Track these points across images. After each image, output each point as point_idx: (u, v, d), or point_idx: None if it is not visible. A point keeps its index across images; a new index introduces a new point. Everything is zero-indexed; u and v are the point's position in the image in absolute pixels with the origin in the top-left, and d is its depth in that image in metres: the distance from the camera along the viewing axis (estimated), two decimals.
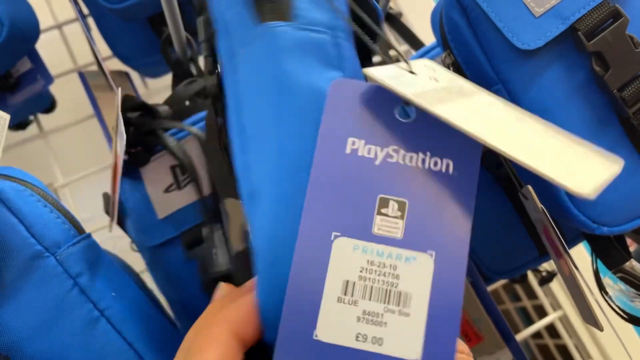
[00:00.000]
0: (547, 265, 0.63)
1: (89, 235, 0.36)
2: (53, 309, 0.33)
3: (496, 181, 0.48)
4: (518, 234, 0.49)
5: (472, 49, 0.37)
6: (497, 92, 0.37)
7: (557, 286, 0.72)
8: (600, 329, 0.35)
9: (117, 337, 0.34)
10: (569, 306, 0.71)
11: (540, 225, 0.38)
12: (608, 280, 0.44)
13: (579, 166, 0.26)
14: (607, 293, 0.42)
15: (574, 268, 0.34)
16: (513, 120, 0.29)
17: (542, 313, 0.79)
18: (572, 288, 0.36)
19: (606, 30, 0.34)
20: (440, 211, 0.27)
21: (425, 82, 0.29)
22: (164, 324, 0.39)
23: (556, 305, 0.72)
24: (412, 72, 0.30)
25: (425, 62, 0.32)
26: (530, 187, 0.36)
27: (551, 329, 0.85)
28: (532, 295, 0.88)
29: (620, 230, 0.37)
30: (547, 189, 0.38)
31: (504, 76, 0.36)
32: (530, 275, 0.80)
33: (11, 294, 0.32)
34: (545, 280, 0.61)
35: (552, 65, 0.35)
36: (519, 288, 0.93)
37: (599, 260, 0.43)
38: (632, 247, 0.41)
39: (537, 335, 0.92)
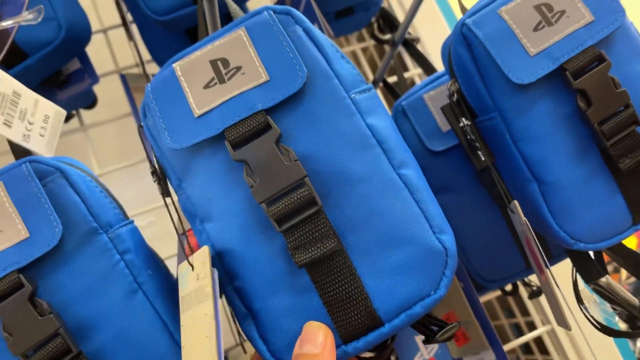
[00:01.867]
0: (538, 281, 0.68)
1: (132, 221, 0.42)
2: (101, 278, 0.38)
3: (492, 199, 0.53)
4: (508, 248, 0.54)
5: (474, 80, 0.42)
6: (493, 120, 0.43)
7: (547, 303, 0.76)
8: (569, 328, 0.39)
9: (150, 308, 0.39)
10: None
11: (524, 237, 0.43)
12: (588, 292, 0.48)
13: None
14: (582, 303, 0.46)
15: (549, 275, 0.39)
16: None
17: (533, 328, 0.84)
18: (547, 292, 0.41)
19: (591, 72, 0.40)
20: None
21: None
22: None
23: (545, 321, 0.77)
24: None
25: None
26: (516, 202, 0.41)
27: (541, 345, 0.90)
28: (525, 312, 0.92)
29: (595, 247, 0.42)
30: (533, 208, 0.43)
31: (499, 105, 0.41)
32: (523, 293, 0.85)
33: (68, 260, 0.38)
34: (535, 294, 0.66)
35: (543, 99, 0.41)
36: (513, 305, 0.97)
37: (578, 274, 0.48)
38: (630, 280, 0.46)
39: (528, 351, 0.97)
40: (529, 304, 0.80)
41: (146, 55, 0.74)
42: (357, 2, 0.74)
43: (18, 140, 0.42)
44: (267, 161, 0.33)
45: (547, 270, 0.39)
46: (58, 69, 0.64)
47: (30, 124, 0.43)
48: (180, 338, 0.39)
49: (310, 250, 0.33)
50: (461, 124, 0.45)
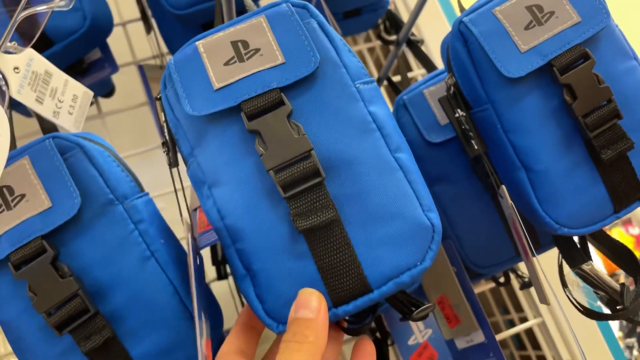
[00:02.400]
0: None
1: (147, 194, 0.46)
2: (116, 246, 0.41)
3: (485, 189, 0.56)
4: (499, 235, 0.57)
5: (469, 73, 0.46)
6: (486, 111, 0.46)
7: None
8: (548, 303, 0.43)
9: (162, 274, 0.42)
10: (548, 316, 0.78)
11: (511, 220, 0.46)
12: (572, 277, 0.52)
13: None
14: (566, 286, 0.50)
15: (532, 256, 0.43)
16: None
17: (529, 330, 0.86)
18: (531, 272, 0.44)
19: (576, 68, 0.43)
20: None
21: None
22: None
23: (537, 314, 0.80)
24: None
25: None
26: (504, 187, 0.45)
27: (534, 342, 0.92)
28: (518, 309, 0.95)
29: (579, 232, 0.46)
30: (521, 195, 0.46)
31: (492, 97, 0.45)
32: (518, 292, 0.88)
33: (86, 229, 0.41)
34: (526, 284, 0.69)
35: (532, 93, 0.44)
36: (507, 302, 1.00)
37: (563, 259, 0.51)
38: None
39: (521, 347, 1.00)
40: (522, 299, 0.83)
41: (163, 48, 0.78)
42: (365, 4, 0.78)
43: (48, 116, 0.45)
44: (278, 133, 0.36)
45: (530, 250, 0.43)
46: (80, 57, 0.68)
47: (60, 102, 0.46)
48: (188, 302, 0.43)
49: (310, 218, 0.36)
50: (456, 115, 0.48)
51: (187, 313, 0.42)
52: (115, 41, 0.77)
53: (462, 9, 0.51)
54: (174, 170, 0.44)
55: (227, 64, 0.39)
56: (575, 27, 0.43)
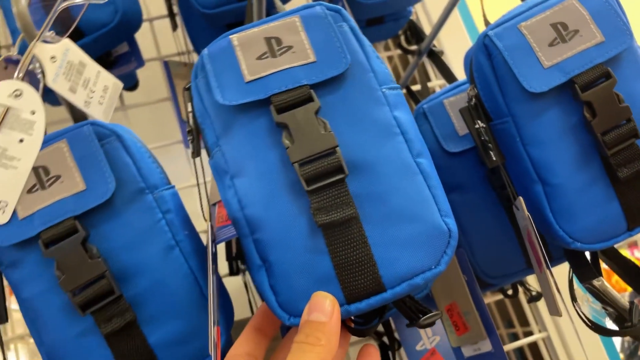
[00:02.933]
0: (537, 286, 0.71)
1: (174, 186, 0.47)
2: (144, 233, 0.43)
3: (499, 200, 0.57)
4: (511, 247, 0.58)
5: (491, 86, 0.47)
6: (506, 123, 0.47)
7: (545, 311, 0.80)
8: (560, 314, 0.43)
9: (184, 264, 0.43)
10: (553, 330, 0.78)
11: (525, 231, 0.47)
12: (581, 292, 0.52)
13: None
14: (576, 300, 0.50)
15: (545, 267, 0.43)
16: None
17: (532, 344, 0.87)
18: (543, 283, 0.45)
19: (598, 86, 0.44)
20: None
21: None
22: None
23: (542, 329, 0.80)
24: None
25: None
26: (521, 199, 0.46)
27: (537, 356, 0.93)
28: (523, 323, 0.95)
29: (591, 248, 0.46)
30: (537, 207, 0.47)
31: (512, 111, 0.46)
32: (525, 305, 0.88)
33: (117, 214, 0.42)
34: (533, 298, 0.69)
35: (552, 108, 0.45)
36: (513, 316, 1.01)
37: (574, 274, 0.51)
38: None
39: None
40: (528, 313, 0.84)
41: (188, 46, 0.79)
42: (388, 13, 0.79)
43: (80, 105, 0.47)
44: (305, 127, 0.37)
45: (545, 261, 0.43)
46: (109, 49, 0.69)
47: (92, 92, 0.48)
48: (207, 293, 0.44)
49: (330, 213, 0.37)
50: (477, 126, 0.49)
51: (205, 304, 0.43)
52: (141, 36, 0.79)
53: (487, 22, 0.52)
54: (197, 161, 0.46)
55: (259, 58, 0.40)
56: (598, 46, 0.44)
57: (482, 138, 0.49)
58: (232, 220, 0.41)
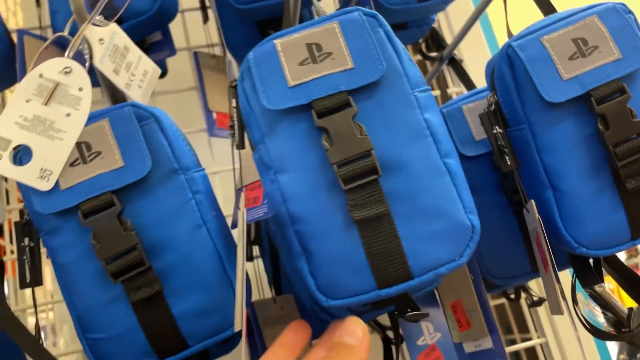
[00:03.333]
0: (539, 292, 0.74)
1: (204, 169, 0.50)
2: (175, 211, 0.45)
3: (510, 205, 0.60)
4: (518, 250, 0.60)
5: (511, 94, 0.49)
6: (523, 130, 0.49)
7: (544, 317, 0.82)
8: (562, 313, 0.46)
9: (210, 242, 0.46)
10: (551, 336, 0.81)
11: (534, 233, 0.49)
12: (582, 297, 0.55)
13: None
14: (577, 304, 0.53)
15: (551, 267, 0.46)
16: None
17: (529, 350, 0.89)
18: (548, 283, 0.47)
19: (612, 100, 0.46)
20: None
21: None
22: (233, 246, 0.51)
23: (541, 335, 0.83)
24: None
25: None
26: (532, 202, 0.48)
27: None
28: (522, 329, 0.98)
29: (596, 254, 0.49)
30: (546, 212, 0.49)
31: (530, 119, 0.48)
32: (526, 313, 0.90)
33: (151, 191, 0.45)
34: (535, 303, 0.72)
35: (568, 118, 0.47)
36: (512, 322, 1.03)
37: (577, 279, 0.54)
38: None
39: None
40: (528, 319, 0.86)
41: (216, 39, 0.82)
42: (413, 19, 0.82)
43: (121, 86, 0.50)
44: (343, 131, 0.40)
45: (551, 261, 0.46)
46: (143, 37, 0.72)
47: (133, 75, 0.51)
48: (231, 272, 0.46)
49: (365, 209, 0.40)
50: (494, 131, 0.51)
51: (227, 281, 0.46)
52: (173, 26, 0.82)
53: (509, 34, 0.55)
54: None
55: (301, 64, 0.43)
56: (616, 62, 0.47)
57: (499, 143, 0.51)
58: (274, 211, 0.44)
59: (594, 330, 0.53)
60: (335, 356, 0.36)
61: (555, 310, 0.46)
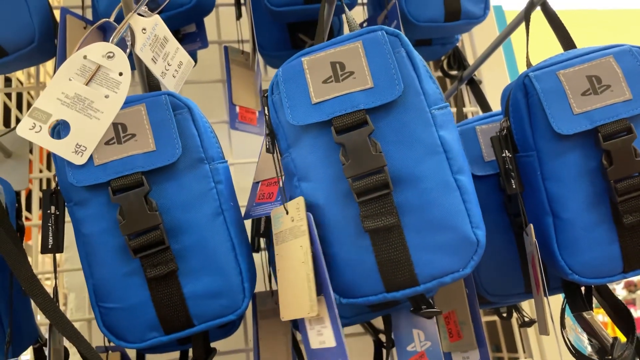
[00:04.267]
0: (530, 313, 0.76)
1: (227, 161, 0.52)
2: (197, 197, 0.48)
3: (512, 226, 0.62)
4: (515, 270, 0.62)
5: (523, 121, 0.52)
6: (530, 157, 0.52)
7: (533, 338, 0.84)
8: (548, 334, 0.48)
9: (226, 231, 0.49)
10: (537, 357, 0.83)
11: (530, 256, 0.52)
12: (571, 322, 0.57)
13: None
14: (565, 328, 0.55)
15: (542, 290, 0.48)
16: None
17: None
18: (538, 304, 0.50)
19: (618, 138, 0.49)
20: None
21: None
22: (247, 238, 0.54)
23: (528, 355, 0.85)
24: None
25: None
26: (532, 226, 0.51)
27: None
28: (510, 349, 1.00)
29: (587, 282, 0.51)
30: (544, 237, 0.52)
31: (538, 147, 0.51)
32: (515, 332, 0.93)
33: (178, 176, 0.48)
34: (525, 324, 0.74)
35: (574, 150, 0.50)
36: (502, 341, 1.05)
37: (567, 304, 0.56)
38: None
39: None
40: (517, 338, 0.88)
41: (246, 35, 0.85)
42: (438, 37, 0.84)
43: (157, 74, 0.53)
44: (359, 148, 0.44)
45: (542, 284, 0.48)
46: (179, 28, 0.75)
47: (169, 65, 0.54)
48: (241, 260, 0.49)
49: (376, 220, 0.43)
50: (503, 154, 0.54)
51: (237, 268, 0.49)
52: (206, 20, 0.85)
53: (529, 64, 0.57)
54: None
55: (324, 82, 0.46)
56: (626, 103, 0.49)
57: (507, 166, 0.54)
58: None
59: (578, 355, 0.55)
60: None
61: (543, 330, 0.49)
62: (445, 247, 0.43)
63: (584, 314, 0.55)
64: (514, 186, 0.53)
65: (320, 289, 0.42)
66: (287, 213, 0.45)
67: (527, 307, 0.85)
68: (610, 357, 0.54)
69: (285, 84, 0.47)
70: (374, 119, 0.45)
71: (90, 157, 0.47)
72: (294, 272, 0.42)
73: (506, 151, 0.54)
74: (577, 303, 0.55)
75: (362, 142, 0.44)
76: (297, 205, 0.45)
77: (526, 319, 0.75)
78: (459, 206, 0.44)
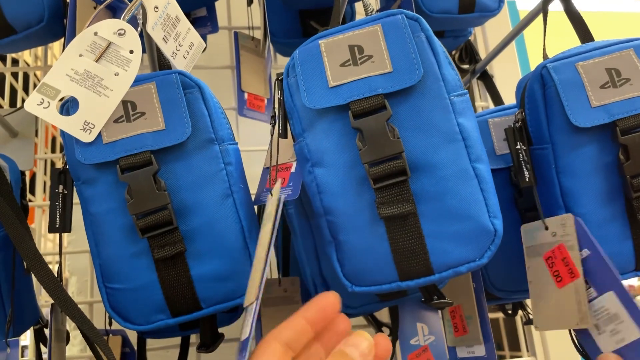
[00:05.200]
0: None
1: (237, 143, 0.52)
2: (206, 177, 0.48)
3: (522, 220, 0.61)
4: (522, 265, 0.62)
5: (539, 113, 0.51)
6: (545, 150, 0.51)
7: (537, 336, 0.84)
8: (589, 324, 0.47)
9: (235, 213, 0.48)
10: (541, 355, 0.82)
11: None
12: None
13: None
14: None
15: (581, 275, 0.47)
16: None
17: None
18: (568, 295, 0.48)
19: (636, 133, 0.48)
20: None
21: None
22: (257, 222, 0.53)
23: (532, 354, 0.84)
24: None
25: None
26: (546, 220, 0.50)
27: None
28: (513, 347, 0.99)
29: None
30: None
31: (554, 139, 0.50)
32: (520, 331, 0.92)
33: (187, 157, 0.47)
34: (530, 321, 0.73)
35: (591, 144, 0.49)
36: (504, 341, 1.04)
37: None
38: None
39: None
40: (520, 336, 0.87)
41: (257, 22, 0.84)
42: (450, 29, 0.83)
43: (168, 54, 0.52)
44: (376, 133, 0.42)
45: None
46: (189, 11, 0.74)
47: (180, 45, 0.53)
48: (250, 243, 0.48)
49: (392, 207, 0.42)
50: (517, 147, 0.53)
51: (246, 252, 0.48)
52: (217, 4, 0.84)
53: (545, 56, 0.56)
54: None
55: (342, 65, 0.45)
56: None
57: (520, 159, 0.53)
58: (310, 200, 0.47)
59: (584, 354, 0.55)
60: None
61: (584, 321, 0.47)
62: (462, 237, 0.42)
63: None
64: (527, 179, 0.53)
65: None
66: (271, 196, 0.44)
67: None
68: None
69: (302, 67, 0.46)
70: (392, 104, 0.44)
71: (99, 135, 0.46)
72: (257, 257, 0.40)
73: (520, 143, 0.53)
74: None
75: (380, 127, 0.43)
76: (275, 191, 0.44)
77: (531, 317, 0.74)
78: (477, 195, 0.43)
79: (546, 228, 0.51)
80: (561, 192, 0.50)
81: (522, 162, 0.53)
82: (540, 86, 0.51)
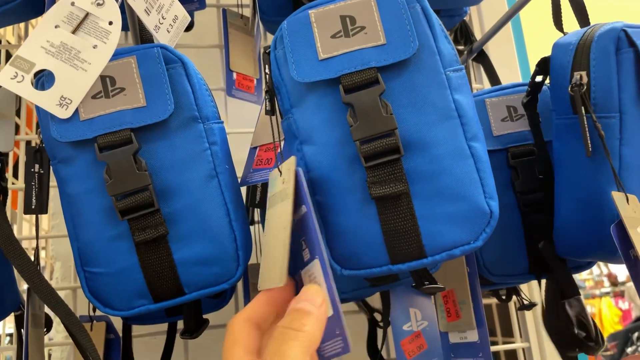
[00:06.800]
0: (530, 296, 0.74)
1: (222, 122, 0.49)
2: (190, 158, 0.45)
3: (518, 204, 0.59)
4: (519, 250, 0.60)
5: (610, 79, 0.47)
6: (611, 119, 0.47)
7: (531, 322, 0.83)
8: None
9: (220, 195, 0.46)
10: (534, 342, 0.81)
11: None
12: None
13: None
14: None
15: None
16: None
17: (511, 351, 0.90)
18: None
19: None
20: None
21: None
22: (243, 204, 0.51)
23: (525, 340, 0.83)
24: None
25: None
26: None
27: None
28: (506, 333, 0.98)
29: None
30: (602, 211, 0.47)
31: (624, 108, 0.46)
32: (513, 317, 0.91)
33: (169, 135, 0.45)
34: (524, 307, 0.72)
35: None
36: (497, 327, 1.04)
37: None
38: None
39: None
40: (514, 322, 0.86)
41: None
42: (446, 8, 0.81)
43: (150, 27, 0.49)
44: (369, 108, 0.40)
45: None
46: None
47: (163, 18, 0.50)
48: (236, 226, 0.46)
49: (383, 187, 0.40)
50: (587, 114, 0.48)
51: (231, 235, 0.46)
52: None
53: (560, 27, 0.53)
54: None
55: (333, 36, 0.42)
56: None
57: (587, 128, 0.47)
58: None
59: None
60: (291, 321, 0.33)
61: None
62: (456, 218, 0.40)
63: (574, 299, 0.53)
64: (590, 148, 0.47)
65: (314, 254, 0.38)
66: (280, 174, 0.42)
67: (527, 290, 0.83)
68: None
69: (290, 38, 0.43)
70: (386, 79, 0.41)
71: (76, 112, 0.44)
72: (274, 239, 0.38)
73: (591, 110, 0.47)
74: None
75: (373, 102, 0.40)
76: (289, 165, 0.41)
77: (525, 302, 0.73)
78: (472, 175, 0.41)
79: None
80: (620, 166, 0.47)
81: (588, 129, 0.47)
82: (614, 48, 0.47)
